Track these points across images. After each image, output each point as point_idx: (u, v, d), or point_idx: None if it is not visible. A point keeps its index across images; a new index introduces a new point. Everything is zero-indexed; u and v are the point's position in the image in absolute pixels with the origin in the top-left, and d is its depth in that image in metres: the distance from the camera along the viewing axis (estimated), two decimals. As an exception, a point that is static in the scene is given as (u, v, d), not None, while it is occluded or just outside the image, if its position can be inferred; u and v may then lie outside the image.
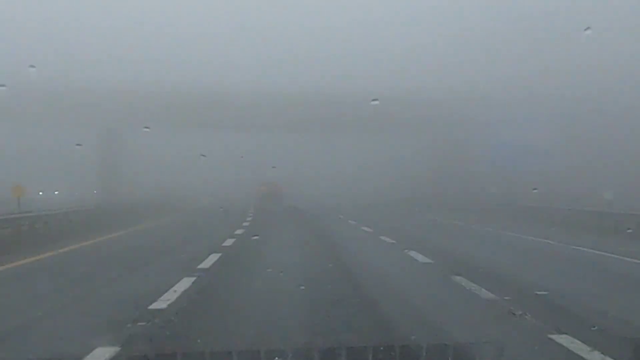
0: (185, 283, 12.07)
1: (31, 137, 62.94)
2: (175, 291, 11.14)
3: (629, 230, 23.21)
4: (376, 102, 38.86)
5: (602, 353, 7.22)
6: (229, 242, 21.07)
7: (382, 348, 7.34)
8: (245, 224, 31.11)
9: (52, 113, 51.69)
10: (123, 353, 7.32)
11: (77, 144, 46.16)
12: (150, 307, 9.92)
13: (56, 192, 71.63)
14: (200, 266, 14.67)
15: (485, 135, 52.69)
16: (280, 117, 52.90)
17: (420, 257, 16.51)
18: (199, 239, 23.39)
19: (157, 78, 53.65)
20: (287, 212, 44.48)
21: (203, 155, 41.47)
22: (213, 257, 16.29)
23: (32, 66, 30.65)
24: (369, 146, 73.47)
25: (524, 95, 52.81)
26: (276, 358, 6.94)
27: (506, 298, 10.51)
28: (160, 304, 10.18)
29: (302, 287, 11.69)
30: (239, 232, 25.73)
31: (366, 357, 7.02)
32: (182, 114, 51.97)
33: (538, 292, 11.26)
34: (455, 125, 54.54)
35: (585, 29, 27.67)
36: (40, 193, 69.41)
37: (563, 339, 7.78)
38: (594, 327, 8.55)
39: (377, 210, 46.51)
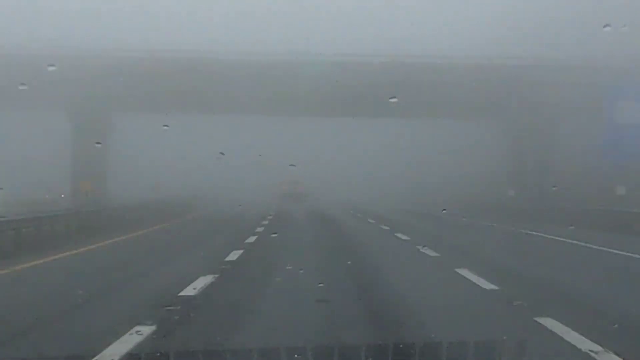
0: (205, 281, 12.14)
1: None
2: (194, 288, 11.20)
3: None
4: (394, 100, 37.52)
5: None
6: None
7: (401, 345, 7.35)
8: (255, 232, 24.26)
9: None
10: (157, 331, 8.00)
11: (97, 142, 42.78)
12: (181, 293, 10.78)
13: None
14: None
15: (592, 119, 39.77)
16: (304, 97, 41.56)
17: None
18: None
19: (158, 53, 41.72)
20: (314, 221, 33.51)
21: (222, 154, 39.45)
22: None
23: (52, 65, 30.24)
24: (420, 133, 59.67)
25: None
26: (296, 355, 6.96)
27: None
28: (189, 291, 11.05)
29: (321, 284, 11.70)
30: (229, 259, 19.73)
31: (386, 355, 7.04)
32: (191, 95, 41.83)
33: None
34: (541, 103, 41.03)
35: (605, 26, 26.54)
36: None
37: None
38: None
39: (447, 222, 32.83)
